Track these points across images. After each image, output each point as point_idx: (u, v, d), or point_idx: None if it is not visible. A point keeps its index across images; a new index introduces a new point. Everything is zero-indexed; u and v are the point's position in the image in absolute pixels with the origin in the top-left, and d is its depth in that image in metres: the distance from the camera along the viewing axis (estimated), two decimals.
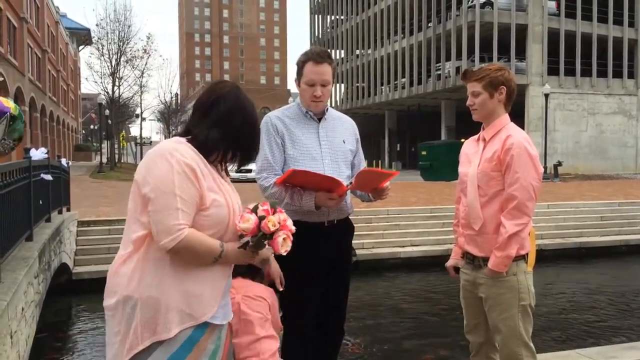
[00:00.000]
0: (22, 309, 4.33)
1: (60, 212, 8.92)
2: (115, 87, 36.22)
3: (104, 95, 34.28)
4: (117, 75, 36.03)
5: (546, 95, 29.77)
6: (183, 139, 1.94)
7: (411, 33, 40.34)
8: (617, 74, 36.82)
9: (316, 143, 2.90)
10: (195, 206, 1.84)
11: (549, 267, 10.82)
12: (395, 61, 42.67)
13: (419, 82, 39.33)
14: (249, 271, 2.47)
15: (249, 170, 22.71)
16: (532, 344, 2.76)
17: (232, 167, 2.13)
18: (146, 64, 37.83)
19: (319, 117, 2.95)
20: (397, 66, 42.41)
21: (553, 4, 35.75)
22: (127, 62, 36.65)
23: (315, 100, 2.85)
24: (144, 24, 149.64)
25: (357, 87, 49.40)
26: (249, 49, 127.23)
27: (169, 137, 2.19)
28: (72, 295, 8.88)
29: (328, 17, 55.87)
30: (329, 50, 3.04)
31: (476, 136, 2.90)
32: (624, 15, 36.79)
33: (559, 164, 28.18)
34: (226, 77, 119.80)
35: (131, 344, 1.82)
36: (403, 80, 41.42)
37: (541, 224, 12.81)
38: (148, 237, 1.85)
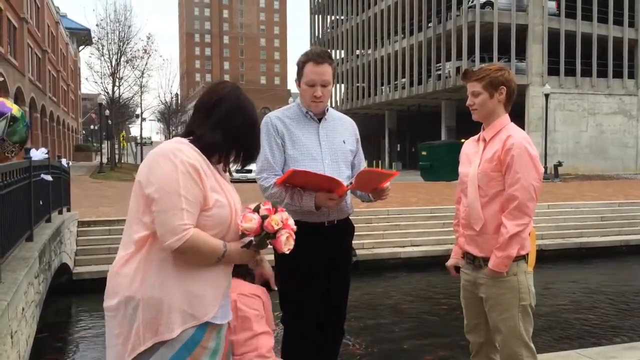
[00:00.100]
0: (23, 309, 4.33)
1: (60, 213, 8.92)
2: (116, 88, 36.24)
3: (104, 95, 34.28)
4: (117, 76, 36.05)
5: (546, 96, 29.78)
6: (185, 140, 1.94)
7: (411, 33, 40.34)
8: (618, 74, 36.82)
9: (316, 143, 2.90)
10: (199, 206, 1.85)
11: (549, 267, 10.81)
12: (395, 61, 42.67)
13: (419, 82, 39.33)
14: (240, 272, 2.49)
15: (249, 171, 22.70)
16: (532, 344, 2.76)
17: (234, 168, 2.13)
18: (146, 64, 37.85)
19: (319, 117, 2.95)
20: (397, 66, 42.41)
21: (553, 4, 35.75)
22: (127, 63, 36.67)
23: (316, 100, 2.86)
24: (144, 24, 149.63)
25: (357, 87, 49.40)
26: (249, 49, 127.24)
27: (169, 138, 2.20)
28: (73, 296, 8.88)
29: (328, 17, 55.87)
30: (329, 51, 3.04)
31: (476, 136, 2.90)
32: (624, 16, 36.79)
33: (559, 164, 28.18)
34: (226, 77, 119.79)
35: (133, 345, 1.82)
36: (403, 80, 41.42)
37: (541, 224, 12.81)
38: (150, 237, 1.85)
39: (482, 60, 33.27)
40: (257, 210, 1.92)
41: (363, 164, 3.14)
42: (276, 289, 2.65)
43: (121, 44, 35.91)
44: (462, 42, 34.80)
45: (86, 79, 49.99)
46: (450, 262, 3.02)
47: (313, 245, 2.75)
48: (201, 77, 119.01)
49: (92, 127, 72.62)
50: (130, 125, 64.28)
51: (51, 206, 7.59)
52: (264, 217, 1.89)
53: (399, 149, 48.52)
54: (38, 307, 5.44)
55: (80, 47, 58.34)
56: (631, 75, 37.35)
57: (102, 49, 35.75)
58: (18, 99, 28.52)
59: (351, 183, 2.78)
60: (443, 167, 25.48)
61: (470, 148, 2.91)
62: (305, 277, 2.86)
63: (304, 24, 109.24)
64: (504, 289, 2.71)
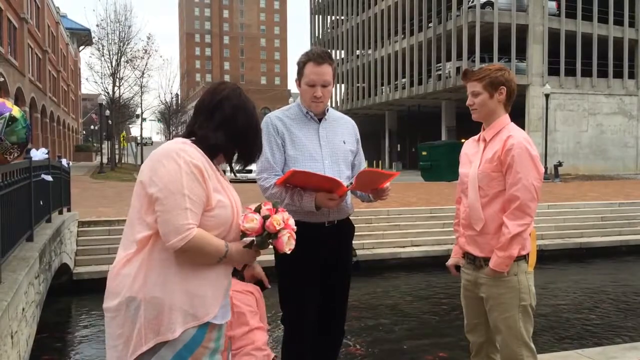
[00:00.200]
0: (23, 309, 4.33)
1: (60, 213, 8.92)
2: (116, 88, 36.30)
3: (105, 95, 34.30)
4: (118, 76, 36.11)
5: (547, 96, 29.78)
6: (188, 140, 1.94)
7: (411, 33, 40.34)
8: (618, 74, 36.81)
9: (316, 143, 2.90)
10: (202, 206, 1.85)
11: (549, 267, 10.81)
12: (395, 61, 42.67)
13: (420, 83, 39.32)
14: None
15: (250, 171, 22.69)
16: (532, 344, 2.76)
17: (235, 168, 2.13)
18: (146, 64, 37.93)
19: (320, 117, 2.95)
20: (397, 66, 42.41)
21: (553, 4, 35.74)
22: (127, 63, 36.76)
23: (316, 100, 2.86)
24: (145, 24, 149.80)
25: (358, 87, 49.40)
26: (249, 49, 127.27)
27: (170, 138, 2.20)
28: (73, 296, 8.89)
29: (328, 17, 55.87)
30: (329, 51, 3.04)
31: (476, 136, 2.90)
32: (624, 16, 36.78)
33: (560, 164, 28.18)
34: (226, 77, 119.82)
35: (135, 346, 1.82)
36: (403, 80, 41.41)
37: (542, 225, 12.81)
38: (153, 237, 1.85)
39: (482, 60, 33.26)
40: (258, 210, 1.93)
41: (363, 164, 3.14)
42: (269, 287, 2.71)
43: (121, 44, 36.00)
44: (462, 42, 34.80)
45: (86, 79, 50.28)
46: (450, 262, 3.02)
47: (313, 246, 2.75)
48: (201, 77, 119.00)
49: (92, 127, 72.64)
50: (130, 126, 64.26)
51: (51, 206, 7.59)
52: (265, 218, 1.91)
53: (399, 149, 48.53)
54: (38, 307, 5.45)
55: (81, 48, 58.37)
56: (631, 76, 37.35)
57: (103, 49, 35.86)
58: (18, 99, 28.54)
59: (351, 183, 2.77)
60: (443, 168, 25.49)
61: (470, 148, 2.91)
62: (306, 277, 2.86)
63: (304, 24, 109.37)
64: (505, 289, 2.71)
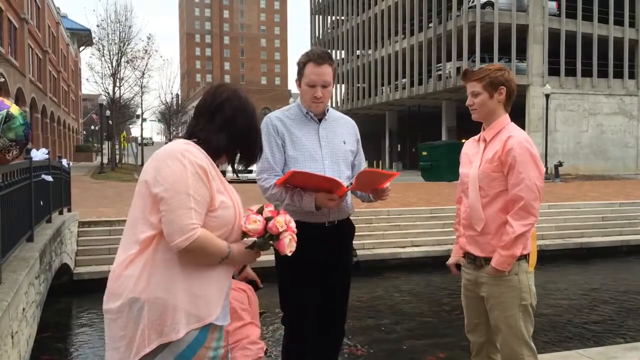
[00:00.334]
0: (23, 310, 4.33)
1: (61, 213, 8.93)
2: (116, 88, 36.33)
3: (105, 95, 34.31)
4: (118, 76, 36.14)
5: (547, 96, 29.78)
6: (190, 141, 1.95)
7: (412, 33, 40.34)
8: (618, 75, 36.81)
9: (316, 144, 2.90)
10: (206, 207, 1.86)
11: (550, 267, 10.81)
12: (395, 62, 42.67)
13: (420, 83, 39.32)
14: None
15: (250, 171, 22.69)
16: (533, 344, 2.76)
17: (238, 169, 2.15)
18: (147, 64, 37.98)
19: (320, 117, 2.95)
20: (397, 67, 42.41)
21: (554, 5, 35.73)
22: (127, 63, 36.79)
23: (316, 101, 2.85)
24: (145, 24, 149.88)
25: (358, 87, 49.40)
26: (249, 49, 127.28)
27: (170, 138, 2.21)
28: (73, 296, 8.89)
29: (329, 17, 55.88)
30: (329, 51, 3.04)
31: (477, 136, 2.90)
32: (624, 16, 36.77)
33: (560, 164, 28.17)
34: (227, 77, 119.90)
35: (138, 347, 1.81)
36: (404, 80, 41.41)
37: (542, 225, 12.80)
38: (156, 237, 1.85)
39: (482, 60, 33.25)
40: (260, 212, 1.94)
41: (363, 165, 3.14)
42: (262, 286, 2.81)
43: (122, 44, 36.04)
44: (463, 42, 34.80)
45: (87, 79, 50.38)
46: (451, 260, 3.03)
47: (314, 246, 2.75)
48: (202, 78, 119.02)
49: (92, 127, 72.66)
50: (130, 126, 64.27)
51: (52, 206, 7.60)
52: (268, 219, 1.92)
53: (399, 149, 48.53)
54: (39, 307, 5.45)
55: (81, 48, 58.40)
56: (632, 76, 37.34)
57: (103, 49, 35.90)
58: (19, 99, 28.55)
59: (351, 183, 2.78)
60: (443, 168, 25.49)
61: (470, 148, 2.91)
62: (306, 277, 2.86)
63: (304, 24, 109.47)
64: (505, 288, 2.71)
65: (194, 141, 1.95)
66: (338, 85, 51.90)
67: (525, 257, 2.73)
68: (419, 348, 6.54)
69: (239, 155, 2.05)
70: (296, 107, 2.97)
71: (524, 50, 34.77)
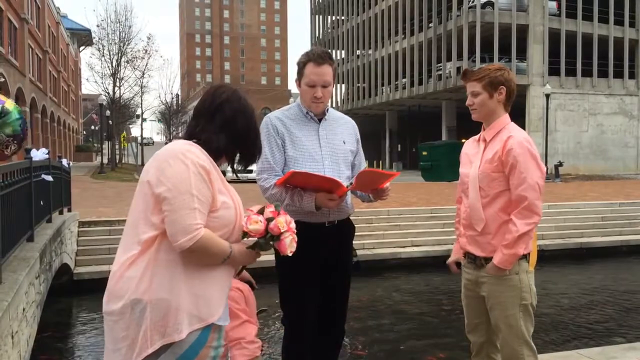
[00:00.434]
0: (23, 310, 4.33)
1: (61, 213, 8.93)
2: (116, 88, 36.33)
3: (105, 95, 34.32)
4: (118, 76, 36.15)
5: (547, 96, 29.77)
6: (191, 142, 1.95)
7: (412, 33, 40.33)
8: (618, 74, 36.81)
9: (316, 144, 2.90)
10: (208, 207, 1.86)
11: (550, 267, 10.81)
12: (395, 61, 42.66)
13: (420, 83, 39.32)
14: None
15: (250, 171, 22.69)
16: (533, 344, 2.76)
17: (238, 169, 2.16)
18: (147, 64, 37.99)
19: (320, 117, 2.95)
20: (397, 66, 42.41)
21: (554, 4, 35.73)
22: (127, 63, 36.79)
23: (316, 101, 2.85)
24: (145, 24, 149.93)
25: (358, 87, 49.40)
26: (249, 49, 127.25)
27: (170, 138, 2.21)
28: (73, 296, 8.89)
29: (329, 17, 55.87)
30: (329, 51, 3.04)
31: (477, 136, 2.90)
32: (624, 16, 36.77)
33: (560, 164, 28.18)
34: (227, 77, 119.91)
35: (141, 348, 1.81)
36: (404, 80, 41.41)
37: (542, 224, 12.78)
38: (159, 237, 1.85)
39: (482, 60, 33.25)
40: (261, 212, 1.95)
41: (363, 164, 3.14)
42: (257, 288, 2.87)
43: (122, 44, 36.05)
44: (463, 42, 34.80)
45: (87, 79, 50.39)
46: (451, 259, 3.03)
47: (314, 246, 2.75)
48: (202, 78, 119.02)
49: (92, 127, 72.66)
50: (130, 126, 64.28)
51: (52, 206, 7.60)
52: (269, 220, 1.93)
53: (399, 149, 48.53)
54: (39, 307, 5.45)
55: (81, 48, 58.40)
56: (632, 76, 37.34)
57: (103, 49, 35.91)
58: (19, 99, 28.55)
59: (351, 183, 2.78)
60: (443, 168, 25.49)
61: (470, 148, 2.91)
62: (306, 277, 2.86)
63: (304, 24, 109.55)
64: (506, 288, 2.71)
65: (194, 142, 1.96)
66: (338, 85, 51.90)
67: (525, 257, 2.73)
68: (419, 348, 6.54)
69: (238, 155, 2.06)
70: (296, 107, 2.97)
71: (524, 50, 34.77)
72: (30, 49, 32.73)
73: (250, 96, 2.15)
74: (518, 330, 2.71)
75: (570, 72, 35.56)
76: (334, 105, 50.18)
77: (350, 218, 3.05)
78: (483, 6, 34.51)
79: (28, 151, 5.74)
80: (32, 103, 32.64)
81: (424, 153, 28.83)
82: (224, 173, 2.09)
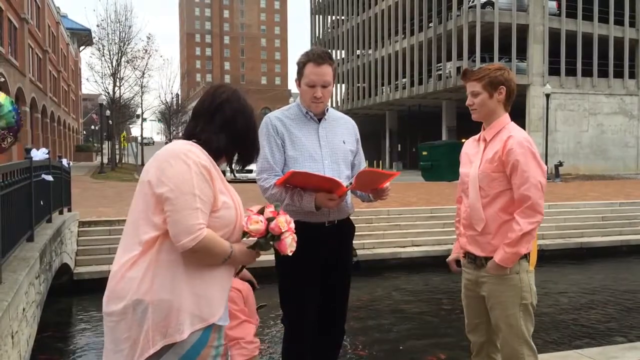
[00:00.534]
0: (23, 310, 4.33)
1: (61, 213, 8.93)
2: (116, 88, 36.34)
3: (105, 95, 34.32)
4: (118, 76, 36.15)
5: (547, 96, 29.77)
6: (191, 142, 1.95)
7: (412, 33, 40.34)
8: (618, 74, 36.81)
9: (316, 144, 2.90)
10: (210, 207, 1.86)
11: (550, 267, 10.81)
12: (395, 61, 42.67)
13: (420, 83, 39.32)
14: None
15: (250, 171, 22.70)
16: (533, 343, 2.76)
17: (236, 169, 2.16)
18: (147, 64, 38.00)
19: (319, 117, 2.95)
20: (397, 66, 42.41)
21: (554, 4, 35.73)
22: (127, 63, 36.80)
23: (316, 101, 2.85)
24: (145, 24, 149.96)
25: (358, 87, 49.40)
26: (249, 49, 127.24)
27: (170, 138, 2.22)
28: (73, 296, 8.89)
29: (329, 17, 55.87)
30: (329, 51, 3.04)
31: (477, 136, 2.89)
32: (624, 16, 36.77)
33: (560, 164, 28.18)
34: (227, 77, 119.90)
35: (142, 348, 1.80)
36: (404, 80, 41.42)
37: (542, 224, 12.58)
38: (160, 238, 1.84)
39: (482, 60, 33.26)
40: (261, 212, 1.96)
41: (363, 164, 3.14)
42: (259, 287, 2.87)
43: (122, 44, 36.06)
44: (463, 42, 34.80)
45: (87, 79, 50.44)
46: (451, 257, 3.04)
47: (314, 246, 2.75)
48: (202, 78, 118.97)
49: (92, 127, 72.67)
50: (130, 126, 64.29)
51: (52, 206, 7.60)
52: (269, 220, 1.93)
53: (399, 149, 48.53)
54: (39, 307, 5.45)
55: (81, 48, 58.41)
56: (632, 75, 37.34)
57: (103, 49, 35.92)
58: (19, 99, 28.55)
59: (351, 183, 2.78)
60: (444, 167, 25.48)
61: (470, 148, 2.91)
62: (306, 277, 2.86)
63: (304, 24, 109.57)
64: (506, 287, 2.71)
65: (193, 142, 1.96)
66: (338, 85, 51.90)
67: (525, 256, 2.72)
68: (419, 348, 6.53)
69: (237, 155, 2.07)
70: (296, 107, 2.97)
71: (524, 50, 34.76)
72: (30, 49, 32.73)
73: (250, 96, 2.15)
74: (518, 329, 2.71)
75: (571, 72, 35.56)
76: (334, 105, 50.18)
77: (350, 218, 3.05)
78: (483, 6, 34.51)
79: (28, 151, 5.74)
80: (32, 103, 32.64)
81: (424, 153, 28.83)
82: (223, 173, 2.09)
